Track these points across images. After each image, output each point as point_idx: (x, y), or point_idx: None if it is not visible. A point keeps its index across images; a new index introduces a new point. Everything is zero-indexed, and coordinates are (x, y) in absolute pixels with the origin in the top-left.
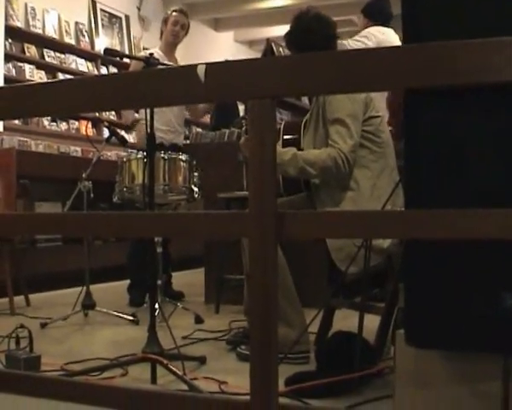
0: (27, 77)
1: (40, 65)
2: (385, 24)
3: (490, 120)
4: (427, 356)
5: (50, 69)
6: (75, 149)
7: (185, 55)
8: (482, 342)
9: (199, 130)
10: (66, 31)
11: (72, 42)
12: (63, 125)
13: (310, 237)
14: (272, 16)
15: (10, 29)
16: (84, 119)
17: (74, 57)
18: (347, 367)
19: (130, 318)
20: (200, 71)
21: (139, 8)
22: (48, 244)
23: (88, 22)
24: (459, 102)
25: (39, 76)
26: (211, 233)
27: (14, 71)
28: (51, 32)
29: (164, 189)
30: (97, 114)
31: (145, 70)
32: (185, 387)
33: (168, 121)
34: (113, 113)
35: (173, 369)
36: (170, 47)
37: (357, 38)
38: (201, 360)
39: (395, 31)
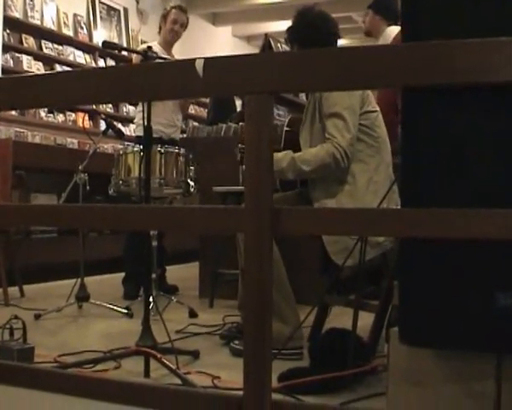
0: (25, 68)
1: (38, 56)
2: (396, 22)
3: (489, 120)
4: (420, 354)
5: (48, 61)
6: (72, 141)
7: (183, 49)
8: (475, 341)
9: (196, 124)
10: (64, 22)
11: (71, 34)
12: (60, 117)
13: (305, 233)
14: (270, 11)
15: (8, 20)
16: (81, 111)
17: (72, 49)
18: (341, 364)
19: (124, 311)
20: (199, 65)
21: (138, 1)
22: (43, 236)
23: (86, 14)
24: (458, 102)
25: (37, 67)
26: (206, 227)
27: (11, 62)
28: (49, 23)
29: (160, 182)
30: (94, 107)
31: (143, 63)
32: (178, 381)
33: (168, 116)
34: (110, 106)
35: (166, 363)
36: (168, 44)
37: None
38: (195, 355)
39: None
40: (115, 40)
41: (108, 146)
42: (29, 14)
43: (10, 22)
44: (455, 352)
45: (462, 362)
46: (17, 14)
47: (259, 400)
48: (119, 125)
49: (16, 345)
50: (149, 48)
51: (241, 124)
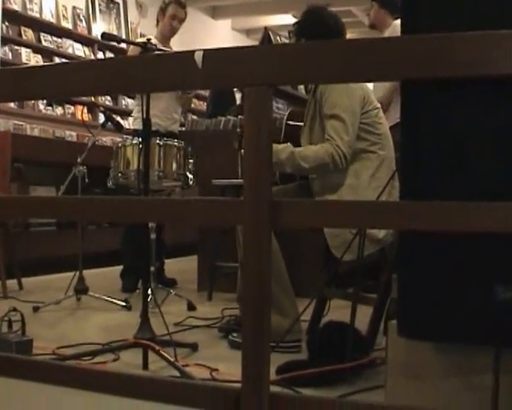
0: (24, 60)
1: (37, 49)
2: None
3: (489, 115)
4: (418, 347)
5: (47, 53)
6: (70, 134)
7: (182, 42)
8: (474, 334)
9: (195, 117)
10: (63, 15)
11: (70, 26)
12: (59, 110)
13: (304, 225)
14: (270, 5)
15: (7, 12)
16: (80, 104)
17: (71, 42)
18: (339, 357)
19: (123, 303)
20: (198, 57)
21: None
22: (42, 229)
23: (85, 7)
24: (459, 96)
25: (36, 60)
26: (205, 219)
27: (10, 54)
28: (48, 15)
29: (158, 175)
30: (93, 100)
31: (142, 55)
32: (176, 373)
33: (165, 108)
34: (109, 98)
35: (165, 355)
36: (165, 38)
37: None
38: (193, 347)
39: None
40: (114, 33)
41: (107, 139)
42: (28, 6)
43: (9, 15)
44: (453, 345)
45: (461, 355)
46: (16, 6)
47: (257, 392)
48: (118, 118)
49: (15, 337)
50: (148, 40)
51: (239, 117)
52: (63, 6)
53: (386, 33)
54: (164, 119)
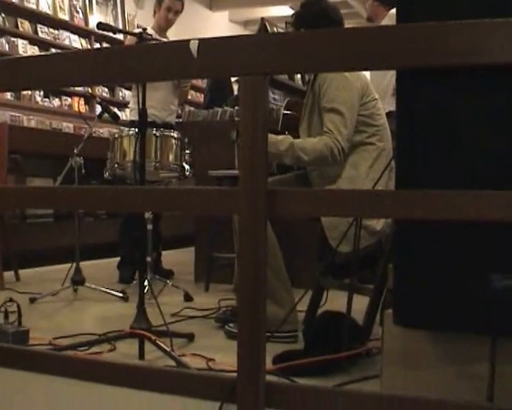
0: (20, 52)
1: (33, 40)
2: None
3: (484, 102)
4: (414, 336)
5: (44, 45)
6: (67, 126)
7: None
8: (470, 323)
9: (192, 108)
10: (60, 7)
11: (66, 18)
12: (56, 101)
13: (300, 214)
14: None
15: (4, 3)
16: (77, 95)
17: (68, 33)
18: (335, 347)
19: (120, 294)
20: (193, 46)
21: None
22: (39, 220)
23: None
24: (453, 83)
25: (32, 51)
26: (200, 209)
27: (7, 46)
28: (45, 7)
29: (155, 166)
30: (90, 91)
31: (138, 45)
32: (173, 363)
33: (162, 99)
34: (106, 90)
35: (161, 345)
36: (162, 29)
37: None
38: (190, 337)
39: None
40: (111, 24)
41: (104, 130)
42: None
43: (6, 6)
44: (449, 334)
45: (457, 344)
46: None
47: (253, 381)
48: (115, 110)
49: (11, 328)
50: (144, 30)
51: (236, 108)
52: None
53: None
54: (160, 110)
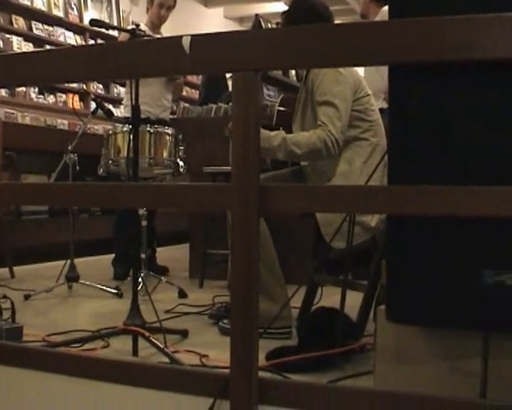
0: (15, 49)
1: (28, 37)
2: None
3: (477, 97)
4: (407, 332)
5: (38, 42)
6: (62, 123)
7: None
8: (462, 318)
9: (186, 105)
10: (54, 3)
11: (61, 14)
12: (51, 98)
13: (293, 210)
14: None
15: None
16: (72, 92)
17: (63, 30)
18: (329, 343)
19: (114, 291)
20: (186, 42)
21: None
22: (33, 217)
23: None
24: (446, 79)
25: (27, 48)
26: (193, 205)
27: (1, 43)
28: (40, 4)
29: (149, 162)
30: (85, 88)
31: (131, 41)
32: (166, 360)
33: (155, 96)
34: (101, 87)
35: (154, 341)
36: (155, 26)
37: None
38: (183, 334)
39: None
40: (106, 21)
41: (99, 127)
42: None
43: (0, 3)
44: (442, 330)
45: (450, 340)
46: None
47: (246, 377)
48: (110, 106)
49: (5, 324)
50: (137, 26)
51: (231, 104)
52: None
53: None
54: (154, 106)
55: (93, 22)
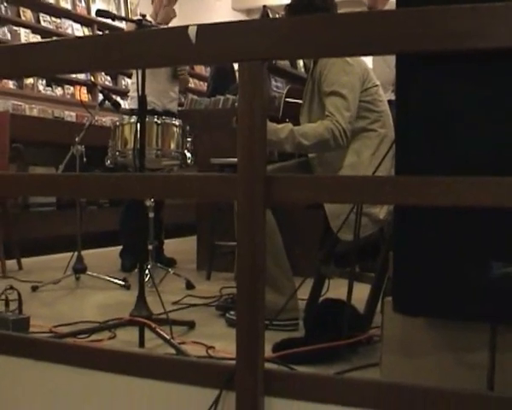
0: (23, 41)
1: (36, 29)
2: None
3: (479, 87)
4: (414, 324)
5: (46, 34)
6: (70, 115)
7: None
8: (470, 310)
9: (194, 97)
10: None
11: (69, 7)
12: (58, 90)
13: (299, 201)
14: None
15: None
16: (80, 84)
17: (70, 22)
18: (335, 334)
19: (121, 282)
20: (192, 32)
21: None
22: (41, 209)
23: None
24: (449, 69)
25: (35, 40)
26: (200, 195)
27: (9, 35)
28: None
29: (156, 153)
30: (93, 79)
31: (137, 31)
32: (173, 351)
33: (161, 87)
34: (109, 78)
35: (160, 332)
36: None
37: None
38: (190, 325)
39: None
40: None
41: (106, 119)
42: None
43: None
44: (449, 322)
45: (456, 332)
46: None
47: (251, 369)
48: (118, 98)
49: (12, 315)
50: (143, 16)
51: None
52: None
53: None
54: (160, 97)
55: (99, 12)
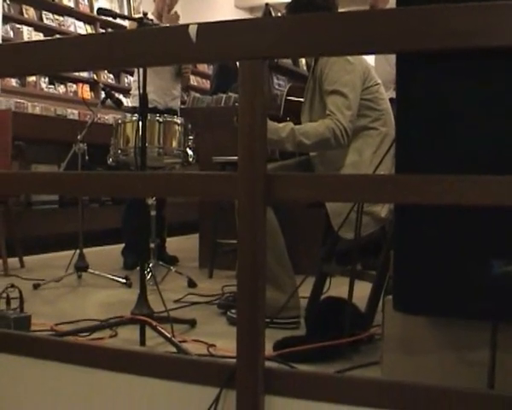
0: (25, 39)
1: (38, 27)
2: None
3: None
4: (415, 323)
5: (49, 31)
6: (72, 112)
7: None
8: (470, 308)
9: (196, 94)
10: None
11: (71, 4)
12: (61, 88)
13: (300, 199)
14: None
15: None
16: (83, 82)
17: (73, 20)
18: (336, 333)
19: (123, 280)
20: (192, 31)
21: None
22: (43, 207)
23: None
24: (450, 66)
25: (37, 38)
26: (201, 193)
27: (11, 33)
28: None
29: (158, 151)
30: (95, 77)
31: (138, 29)
32: (174, 349)
33: (163, 85)
34: (112, 76)
35: (161, 330)
36: (160, 15)
37: None
38: (191, 323)
39: None
40: (116, 11)
41: (109, 117)
42: None
43: None
44: (450, 320)
45: (458, 330)
46: None
47: (252, 367)
48: (120, 96)
49: (13, 314)
50: (145, 14)
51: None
52: None
53: None
54: (161, 95)
55: (100, 11)
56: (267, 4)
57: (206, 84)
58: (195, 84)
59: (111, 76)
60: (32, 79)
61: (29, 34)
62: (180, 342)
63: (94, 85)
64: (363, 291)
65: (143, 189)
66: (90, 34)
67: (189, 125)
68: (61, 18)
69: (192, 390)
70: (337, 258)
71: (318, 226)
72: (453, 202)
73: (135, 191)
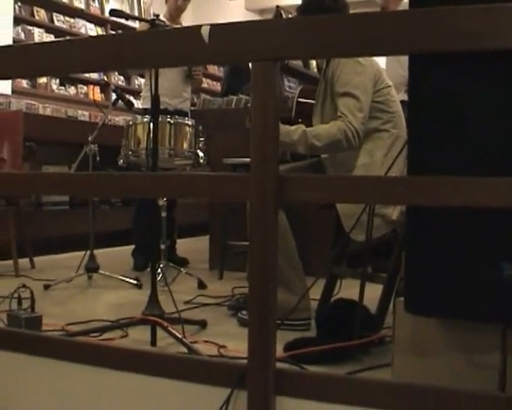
0: (36, 40)
1: (49, 29)
2: None
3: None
4: (425, 325)
5: (59, 33)
6: (83, 114)
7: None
8: (481, 311)
9: (207, 96)
10: None
11: (82, 6)
12: (72, 90)
13: (311, 200)
14: None
15: None
16: (93, 83)
17: (84, 22)
18: (347, 334)
19: (134, 281)
20: (205, 32)
21: None
22: (54, 208)
23: None
24: (462, 68)
25: (48, 40)
26: (212, 195)
27: (23, 34)
28: None
29: (169, 153)
30: (106, 79)
31: (150, 30)
32: (184, 350)
33: (173, 87)
34: (122, 78)
35: (172, 331)
36: (173, 17)
37: None
38: (202, 324)
39: None
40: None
41: (120, 118)
42: None
43: None
44: (460, 323)
45: (468, 333)
46: None
47: (263, 368)
48: (131, 98)
49: (24, 314)
50: (157, 16)
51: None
52: None
53: None
54: (172, 97)
55: (113, 12)
56: (278, 6)
57: (217, 86)
58: (206, 86)
59: (121, 78)
60: (43, 80)
61: (40, 36)
62: (191, 342)
63: (104, 87)
64: (373, 293)
65: (154, 190)
66: (102, 35)
67: (200, 127)
68: (71, 20)
69: (203, 391)
70: (348, 260)
71: (329, 228)
72: (462, 203)
73: (145, 192)
